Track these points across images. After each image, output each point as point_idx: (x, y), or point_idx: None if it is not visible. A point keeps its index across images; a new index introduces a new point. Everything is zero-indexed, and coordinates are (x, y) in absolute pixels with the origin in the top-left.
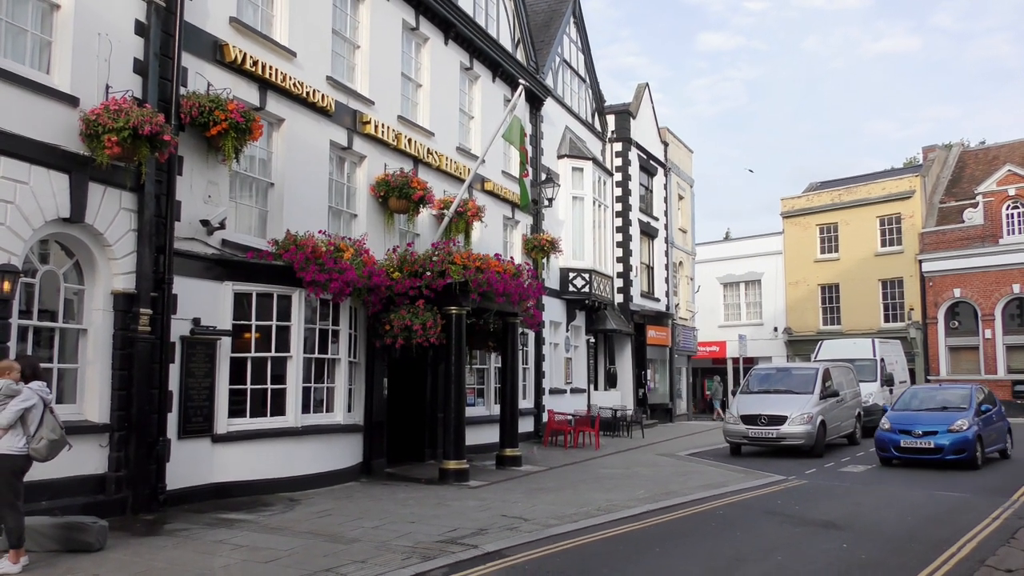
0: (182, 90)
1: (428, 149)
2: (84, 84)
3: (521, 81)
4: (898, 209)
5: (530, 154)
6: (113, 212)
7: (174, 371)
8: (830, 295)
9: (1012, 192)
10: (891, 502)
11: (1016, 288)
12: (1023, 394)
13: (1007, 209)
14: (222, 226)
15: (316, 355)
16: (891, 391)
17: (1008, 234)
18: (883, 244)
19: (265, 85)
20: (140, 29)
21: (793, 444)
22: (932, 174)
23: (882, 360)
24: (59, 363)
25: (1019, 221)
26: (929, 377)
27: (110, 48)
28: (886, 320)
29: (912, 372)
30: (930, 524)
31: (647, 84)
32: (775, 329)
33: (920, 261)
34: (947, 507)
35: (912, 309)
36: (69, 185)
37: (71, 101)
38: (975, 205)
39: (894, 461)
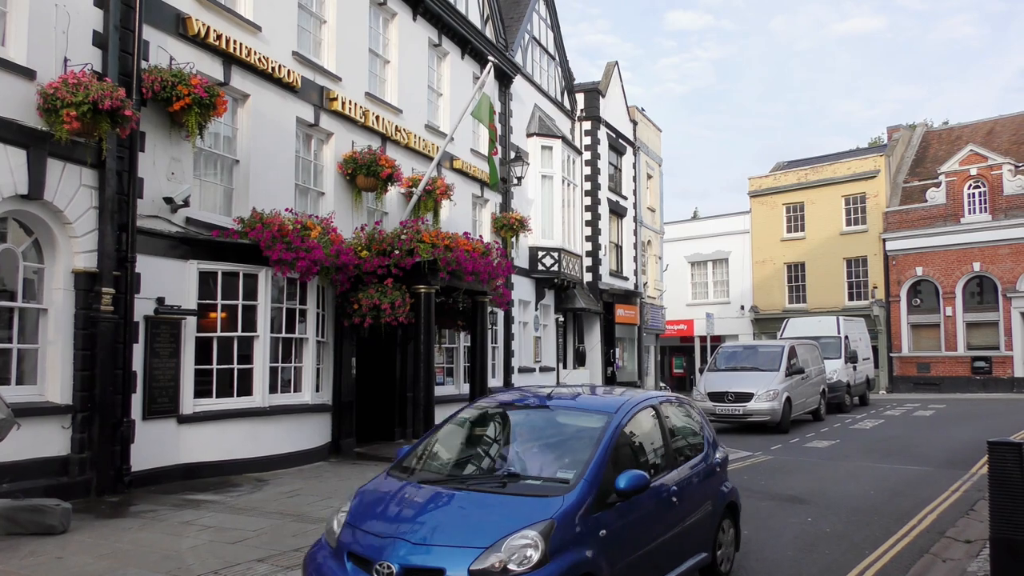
0: (144, 64)
1: (396, 126)
2: (41, 57)
3: (490, 58)
4: (863, 188)
5: (499, 132)
6: (73, 189)
7: (138, 351)
8: (796, 274)
9: (974, 172)
10: (855, 476)
11: (976, 266)
12: (982, 370)
13: (969, 188)
14: (186, 204)
15: (283, 335)
16: (855, 368)
17: (969, 213)
18: (848, 223)
19: (229, 60)
20: (99, 0)
21: (759, 420)
22: (896, 154)
23: (846, 338)
24: (19, 343)
25: (980, 200)
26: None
27: (68, 19)
28: (850, 298)
29: (875, 349)
30: (893, 497)
31: (616, 63)
32: (742, 307)
33: (884, 240)
34: (908, 480)
35: (876, 287)
36: (27, 161)
37: (28, 74)
38: (938, 185)
39: None
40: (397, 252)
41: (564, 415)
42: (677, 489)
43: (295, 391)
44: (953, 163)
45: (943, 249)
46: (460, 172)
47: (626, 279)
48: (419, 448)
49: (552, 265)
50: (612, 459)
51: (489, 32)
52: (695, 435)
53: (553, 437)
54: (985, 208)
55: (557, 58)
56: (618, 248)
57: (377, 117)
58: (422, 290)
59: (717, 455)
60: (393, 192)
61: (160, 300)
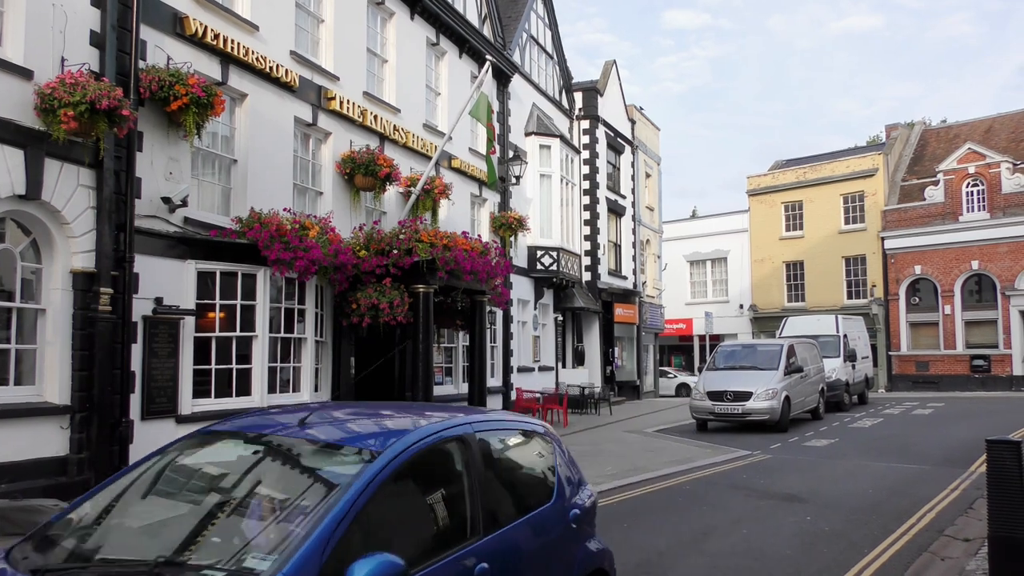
0: (141, 64)
1: (394, 126)
2: (38, 56)
3: (488, 57)
4: (861, 187)
5: (497, 131)
6: (71, 189)
7: (136, 351)
8: (795, 272)
9: (972, 170)
10: (854, 475)
11: (975, 265)
12: (981, 368)
13: (967, 187)
14: (184, 203)
15: (282, 334)
16: (854, 366)
17: (968, 211)
18: (847, 222)
19: (227, 59)
20: (96, 0)
21: (758, 419)
22: (895, 152)
23: (845, 336)
24: (17, 344)
25: (979, 199)
26: (891, 352)
27: (65, 19)
28: (849, 297)
29: (874, 348)
30: (891, 495)
31: (614, 61)
32: (741, 306)
33: (882, 238)
34: (907, 478)
35: (874, 286)
36: (24, 161)
37: (25, 74)
38: (936, 183)
39: None
40: (395, 251)
41: (309, 454)
42: (489, 567)
43: (294, 391)
44: (951, 161)
45: (942, 247)
46: (458, 171)
47: (625, 278)
48: (82, 507)
49: (551, 264)
50: (357, 531)
51: (487, 31)
52: (539, 477)
53: (273, 492)
54: (983, 206)
55: (555, 57)
56: (617, 247)
57: (375, 116)
58: (420, 289)
59: (578, 502)
60: (391, 191)
61: (158, 300)
